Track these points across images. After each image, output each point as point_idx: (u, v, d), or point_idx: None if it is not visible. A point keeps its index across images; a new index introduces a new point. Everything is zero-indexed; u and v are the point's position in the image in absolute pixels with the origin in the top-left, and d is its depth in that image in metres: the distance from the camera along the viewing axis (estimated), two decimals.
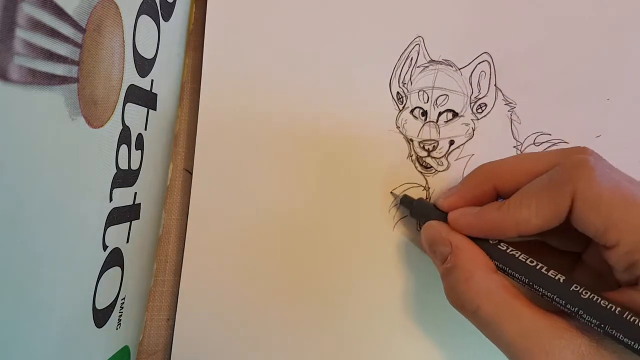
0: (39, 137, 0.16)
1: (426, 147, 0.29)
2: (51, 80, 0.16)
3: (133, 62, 0.23)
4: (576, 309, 0.20)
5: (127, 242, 0.25)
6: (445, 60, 0.29)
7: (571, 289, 0.20)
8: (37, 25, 0.15)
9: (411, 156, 0.29)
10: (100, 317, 0.23)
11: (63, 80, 0.17)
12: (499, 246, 0.22)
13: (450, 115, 0.29)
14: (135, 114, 0.24)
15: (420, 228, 0.28)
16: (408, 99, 0.29)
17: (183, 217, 0.30)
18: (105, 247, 0.22)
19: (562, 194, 0.20)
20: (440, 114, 0.29)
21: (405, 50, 0.29)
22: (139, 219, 0.26)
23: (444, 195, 0.25)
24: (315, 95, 0.29)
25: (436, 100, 0.29)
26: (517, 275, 0.22)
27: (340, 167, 0.29)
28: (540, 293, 0.21)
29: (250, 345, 0.29)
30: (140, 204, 0.26)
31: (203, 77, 0.29)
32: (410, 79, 0.29)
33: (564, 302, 0.20)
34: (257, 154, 0.29)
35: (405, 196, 0.28)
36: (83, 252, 0.20)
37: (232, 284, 0.29)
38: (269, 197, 0.29)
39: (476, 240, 0.23)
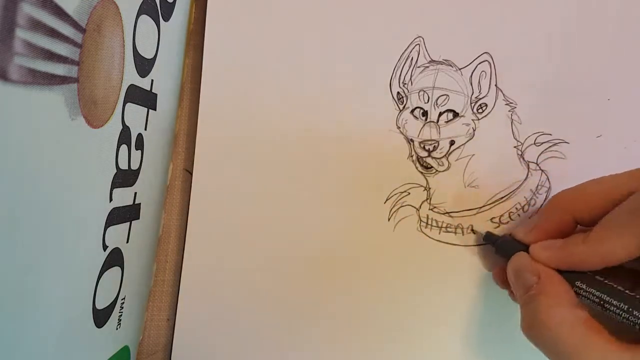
0: (39, 137, 0.16)
1: (427, 148, 0.29)
2: (51, 80, 0.16)
3: (133, 62, 0.23)
4: None
5: (127, 242, 0.25)
6: (445, 60, 0.29)
7: None
8: (37, 25, 0.15)
9: (412, 156, 0.29)
10: (100, 317, 0.23)
11: (63, 80, 0.17)
12: (596, 277, 0.22)
13: (450, 115, 0.29)
14: (135, 114, 0.24)
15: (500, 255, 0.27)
16: (408, 99, 0.29)
17: (183, 217, 0.30)
18: (105, 247, 0.22)
19: None
20: (440, 114, 0.29)
21: (405, 50, 0.29)
22: (139, 219, 0.26)
23: (524, 229, 0.25)
24: (315, 96, 0.29)
25: (436, 100, 0.29)
26: (614, 303, 0.22)
27: (341, 167, 0.29)
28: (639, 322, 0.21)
29: (250, 345, 0.29)
30: (140, 204, 0.26)
31: (203, 77, 0.29)
32: (411, 79, 0.29)
33: None
34: (257, 154, 0.29)
35: (489, 233, 0.28)
36: (83, 252, 0.20)
37: (232, 284, 0.29)
38: (269, 197, 0.29)
39: (565, 273, 0.23)
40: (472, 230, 0.29)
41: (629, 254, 0.21)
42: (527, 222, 0.26)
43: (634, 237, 0.20)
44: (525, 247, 0.25)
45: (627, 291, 0.22)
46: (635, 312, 0.21)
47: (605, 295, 0.22)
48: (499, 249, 0.27)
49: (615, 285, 0.22)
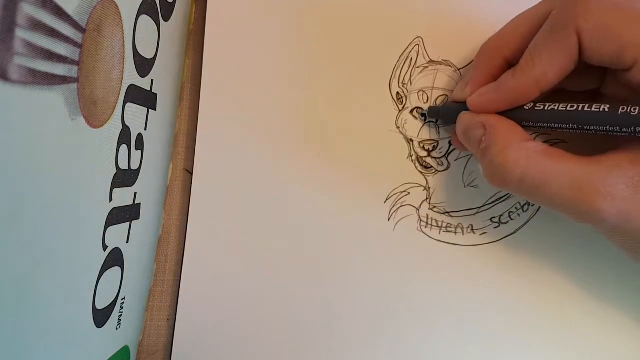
0: (39, 137, 0.16)
1: (426, 147, 0.29)
2: (51, 80, 0.16)
3: (133, 62, 0.23)
4: (631, 128, 0.19)
5: (127, 242, 0.25)
6: (444, 60, 0.29)
7: (620, 112, 0.20)
8: (37, 25, 0.15)
9: (411, 156, 0.29)
10: (100, 317, 0.23)
11: (63, 80, 0.17)
12: (535, 108, 0.22)
13: None
14: (135, 114, 0.24)
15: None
16: (408, 99, 0.29)
17: (183, 217, 0.30)
18: (105, 247, 0.22)
19: (567, 36, 0.20)
20: None
21: (405, 50, 0.29)
22: (139, 219, 0.26)
23: (460, 87, 0.25)
24: (315, 95, 0.29)
25: (436, 100, 0.29)
26: (564, 126, 0.22)
27: (341, 167, 0.29)
28: (593, 131, 0.21)
29: (250, 346, 0.29)
30: (140, 204, 0.26)
31: (203, 77, 0.29)
32: (410, 79, 0.29)
33: (617, 128, 0.20)
34: (257, 154, 0.29)
35: (430, 107, 0.28)
36: (83, 252, 0.20)
37: (232, 284, 0.29)
38: (269, 197, 0.29)
39: (508, 113, 0.23)
40: (473, 229, 0.29)
41: (560, 70, 0.21)
42: (461, 81, 0.26)
43: (560, 52, 0.20)
44: (466, 108, 0.25)
45: (569, 107, 0.21)
46: (585, 127, 0.21)
47: (553, 122, 0.22)
48: (443, 118, 0.27)
49: (556, 107, 0.22)
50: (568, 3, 0.20)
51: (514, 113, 0.23)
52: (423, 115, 0.28)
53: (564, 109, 0.22)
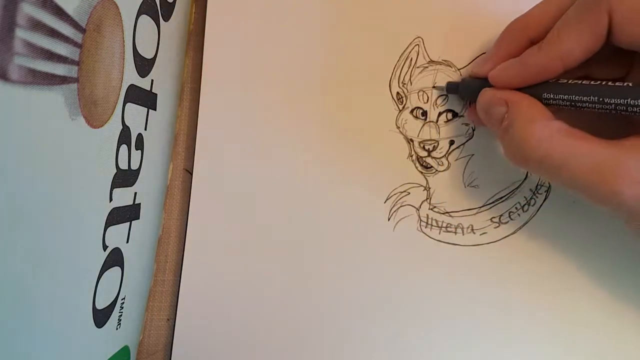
0: (39, 137, 0.16)
1: (426, 147, 0.29)
2: (51, 80, 0.16)
3: (133, 62, 0.23)
4: None
5: (127, 242, 0.25)
6: (444, 60, 0.29)
7: None
8: (37, 25, 0.15)
9: (411, 156, 0.29)
10: (100, 317, 0.23)
11: (63, 80, 0.17)
12: (559, 82, 0.22)
13: (450, 115, 0.29)
14: (135, 114, 0.24)
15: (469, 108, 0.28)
16: (408, 99, 0.29)
17: (183, 217, 0.30)
18: (105, 247, 0.22)
19: (598, 14, 0.20)
20: (440, 114, 0.29)
21: (405, 50, 0.29)
22: (139, 219, 0.26)
23: (481, 62, 0.25)
24: (315, 95, 0.29)
25: (436, 100, 0.29)
26: (584, 99, 0.21)
27: (341, 167, 0.29)
28: (614, 106, 0.21)
29: (250, 345, 0.29)
30: (140, 204, 0.26)
31: (203, 77, 0.29)
32: (410, 79, 0.29)
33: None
34: (257, 154, 0.29)
35: (449, 83, 0.28)
36: (83, 252, 0.20)
37: (232, 284, 0.29)
38: (269, 197, 0.29)
39: (529, 90, 0.23)
40: (473, 229, 0.29)
41: (587, 48, 0.21)
42: (483, 56, 0.26)
43: (589, 29, 0.20)
44: (488, 84, 0.24)
45: (591, 82, 0.21)
46: (606, 100, 0.21)
47: (574, 95, 0.22)
48: (462, 93, 0.27)
49: (579, 82, 0.22)
50: None
51: (535, 89, 0.23)
52: (442, 89, 0.28)
53: (587, 82, 0.21)
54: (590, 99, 0.21)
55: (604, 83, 0.21)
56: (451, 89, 0.28)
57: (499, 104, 0.23)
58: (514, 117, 0.22)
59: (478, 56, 0.28)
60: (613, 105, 0.21)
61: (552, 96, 0.22)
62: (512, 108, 0.22)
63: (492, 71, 0.24)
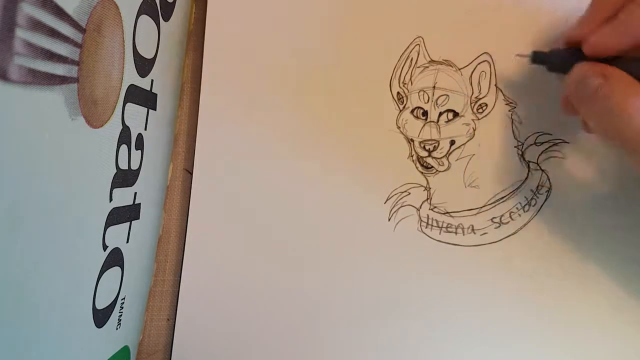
0: (39, 137, 0.16)
1: (427, 147, 0.29)
2: (51, 80, 0.16)
3: (133, 62, 0.23)
4: None
5: (127, 242, 0.25)
6: (445, 60, 0.29)
7: None
8: (37, 25, 0.15)
9: (412, 156, 0.29)
10: (100, 317, 0.23)
11: (63, 80, 0.17)
12: None
13: (450, 115, 0.29)
14: (135, 114, 0.24)
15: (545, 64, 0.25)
16: (408, 99, 0.29)
17: (183, 217, 0.30)
18: (105, 247, 0.22)
19: None
20: (440, 114, 0.29)
21: (405, 50, 0.29)
22: (139, 219, 0.26)
23: (574, 25, 0.24)
24: (315, 96, 0.29)
25: (436, 100, 0.29)
26: None
27: (341, 167, 0.29)
28: None
29: (250, 345, 0.29)
30: (140, 204, 0.26)
31: (203, 77, 0.29)
32: (411, 79, 0.29)
33: None
34: (257, 154, 0.29)
35: (535, 52, 0.25)
36: (83, 252, 0.20)
37: (232, 284, 0.29)
38: (269, 197, 0.29)
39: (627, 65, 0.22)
40: (474, 230, 0.29)
41: None
42: (578, 19, 0.24)
43: None
44: (580, 54, 0.23)
45: None
46: None
47: None
48: (551, 64, 0.25)
49: None
50: None
51: (633, 65, 0.22)
52: (527, 57, 0.26)
53: None
54: None
55: None
56: (538, 58, 0.26)
57: (595, 75, 0.22)
58: (612, 88, 0.21)
59: (469, 64, 0.28)
60: None
61: None
62: (612, 80, 0.21)
63: (590, 38, 0.23)
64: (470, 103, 0.29)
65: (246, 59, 0.29)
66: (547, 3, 0.29)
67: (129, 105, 0.23)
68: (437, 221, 0.29)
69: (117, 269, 0.24)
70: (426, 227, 0.29)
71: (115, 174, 0.22)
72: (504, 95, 0.29)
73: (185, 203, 0.29)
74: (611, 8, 0.22)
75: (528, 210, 0.28)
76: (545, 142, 0.29)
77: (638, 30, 0.21)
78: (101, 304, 0.23)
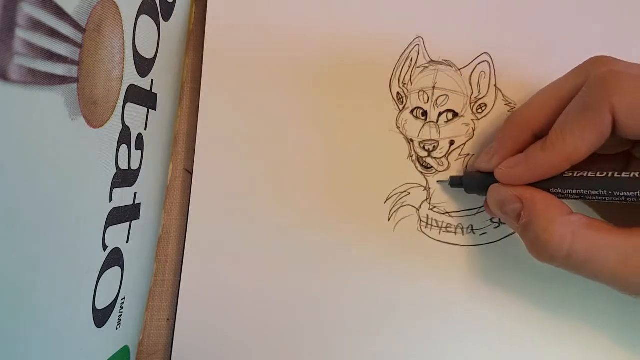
0: (39, 137, 0.16)
1: (426, 148, 0.29)
2: (51, 80, 0.16)
3: (133, 62, 0.23)
4: None
5: (127, 242, 0.25)
6: (445, 60, 0.29)
7: None
8: (37, 25, 0.15)
9: (411, 156, 0.29)
10: (100, 317, 0.23)
11: (63, 80, 0.17)
12: (566, 175, 0.22)
13: (450, 115, 0.29)
14: (135, 114, 0.24)
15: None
16: (408, 99, 0.29)
17: (183, 217, 0.30)
18: (105, 247, 0.22)
19: (601, 114, 0.20)
20: (440, 114, 0.29)
21: (405, 50, 0.29)
22: (139, 219, 0.26)
23: (486, 157, 0.25)
24: (315, 96, 0.29)
25: (436, 100, 0.29)
26: (593, 193, 0.21)
27: (341, 167, 0.29)
28: (624, 197, 0.21)
29: (250, 346, 0.29)
30: (140, 204, 0.26)
31: (203, 77, 0.29)
32: (411, 79, 0.29)
33: None
34: (257, 154, 0.29)
35: (453, 177, 0.28)
36: (83, 252, 0.20)
37: (232, 284, 0.29)
38: (269, 197, 0.29)
39: (538, 185, 0.23)
40: (473, 230, 0.29)
41: (592, 146, 0.21)
42: (486, 150, 0.26)
43: (593, 128, 0.20)
44: (492, 178, 0.24)
45: (598, 174, 0.21)
46: (615, 192, 0.21)
47: (582, 190, 0.22)
48: (468, 188, 0.27)
49: (585, 174, 0.22)
50: (599, 81, 0.20)
51: (543, 184, 0.23)
52: (445, 183, 0.28)
53: (593, 175, 0.21)
54: (599, 192, 0.21)
55: (610, 175, 0.21)
56: (455, 183, 0.28)
57: (513, 202, 0.23)
58: (532, 216, 0.22)
59: (468, 64, 0.28)
60: (623, 197, 0.21)
61: (560, 191, 0.22)
62: (528, 205, 0.22)
63: (498, 169, 0.24)
64: (470, 103, 0.29)
65: (246, 59, 0.29)
66: (548, 3, 0.29)
67: (129, 105, 0.23)
68: (436, 221, 0.29)
69: (117, 269, 0.24)
70: (426, 227, 0.29)
71: (115, 174, 0.22)
72: (503, 95, 0.29)
73: (185, 203, 0.29)
74: (518, 143, 0.24)
75: None
76: None
77: (541, 171, 0.22)
78: (101, 304, 0.23)
